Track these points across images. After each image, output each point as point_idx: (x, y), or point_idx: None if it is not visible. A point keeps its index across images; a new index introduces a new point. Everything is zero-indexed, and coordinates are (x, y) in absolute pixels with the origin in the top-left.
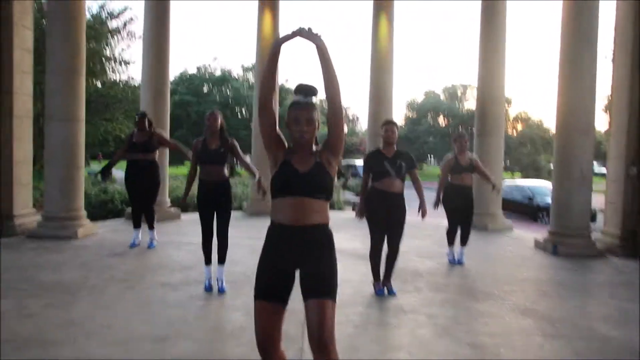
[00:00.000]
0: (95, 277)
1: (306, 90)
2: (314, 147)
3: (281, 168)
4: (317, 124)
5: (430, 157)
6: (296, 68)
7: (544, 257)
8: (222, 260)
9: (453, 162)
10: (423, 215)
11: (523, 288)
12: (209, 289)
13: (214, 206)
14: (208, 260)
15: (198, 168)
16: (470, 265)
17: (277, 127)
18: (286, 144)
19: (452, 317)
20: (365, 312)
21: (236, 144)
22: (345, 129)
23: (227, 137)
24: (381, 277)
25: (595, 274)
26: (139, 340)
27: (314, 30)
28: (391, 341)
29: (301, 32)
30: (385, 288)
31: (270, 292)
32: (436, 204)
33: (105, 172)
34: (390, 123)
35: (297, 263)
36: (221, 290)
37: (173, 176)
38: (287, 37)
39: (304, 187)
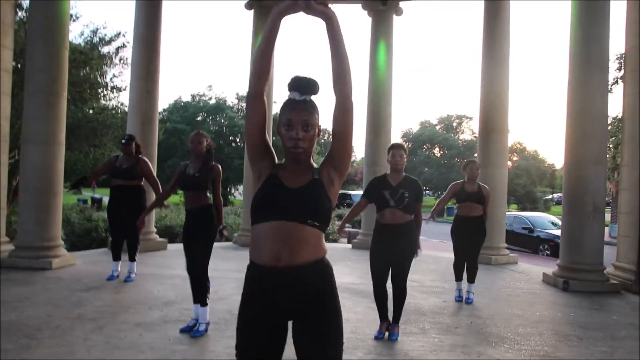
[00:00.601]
0: (62, 315)
1: (303, 86)
2: (312, 164)
3: (265, 183)
4: (316, 130)
5: (425, 189)
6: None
7: (555, 293)
8: (197, 299)
9: (459, 187)
10: (414, 254)
11: (539, 330)
12: (185, 329)
13: (188, 236)
14: (195, 299)
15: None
16: (478, 304)
17: (266, 133)
18: (275, 158)
19: None
20: (366, 359)
21: (217, 172)
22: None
23: (210, 162)
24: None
25: (616, 314)
26: None
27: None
28: None
29: (308, 5)
30: (385, 332)
31: (255, 356)
32: (431, 217)
33: (78, 184)
34: (397, 147)
35: (288, 314)
36: (194, 334)
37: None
38: (288, 8)
39: (292, 208)
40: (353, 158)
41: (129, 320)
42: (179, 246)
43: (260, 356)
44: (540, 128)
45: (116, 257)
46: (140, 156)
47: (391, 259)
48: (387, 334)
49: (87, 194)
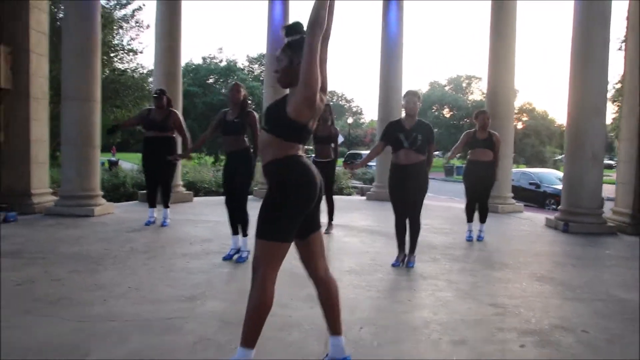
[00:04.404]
0: (117, 249)
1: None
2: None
3: None
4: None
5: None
6: None
7: (555, 234)
8: (235, 231)
9: (471, 135)
10: (426, 190)
11: (538, 260)
12: (227, 257)
13: (229, 175)
14: (233, 231)
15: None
16: (484, 241)
17: None
18: None
19: (471, 283)
20: (386, 278)
21: (253, 117)
22: (350, 120)
23: (246, 109)
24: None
25: (608, 249)
26: (168, 301)
27: None
28: (414, 302)
29: None
30: (402, 262)
31: None
32: (448, 158)
33: (112, 130)
34: (411, 94)
35: None
36: (239, 260)
37: (185, 161)
38: None
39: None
40: (362, 120)
41: (176, 252)
42: (204, 199)
43: None
44: (550, 89)
45: (152, 205)
46: (171, 109)
47: (406, 194)
48: (402, 264)
49: (104, 157)
